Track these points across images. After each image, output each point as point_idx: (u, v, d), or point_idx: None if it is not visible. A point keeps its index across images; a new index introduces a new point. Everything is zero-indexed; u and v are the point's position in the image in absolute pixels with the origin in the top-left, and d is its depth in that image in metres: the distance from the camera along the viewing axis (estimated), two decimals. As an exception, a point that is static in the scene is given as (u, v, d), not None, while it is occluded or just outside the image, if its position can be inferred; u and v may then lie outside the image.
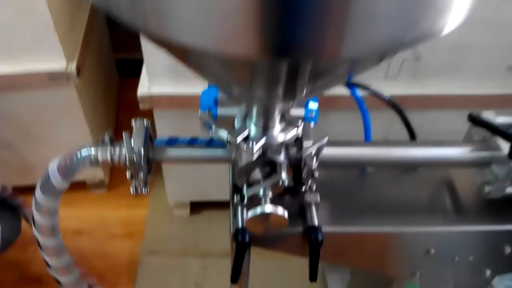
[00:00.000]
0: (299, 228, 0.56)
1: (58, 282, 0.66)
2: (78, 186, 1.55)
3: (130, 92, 1.29)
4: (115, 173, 1.66)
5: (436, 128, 1.24)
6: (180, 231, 1.52)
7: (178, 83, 1.12)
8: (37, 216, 0.57)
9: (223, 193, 1.51)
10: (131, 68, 1.52)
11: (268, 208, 0.50)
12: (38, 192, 0.55)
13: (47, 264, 0.64)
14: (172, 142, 0.60)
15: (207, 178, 1.45)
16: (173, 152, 0.57)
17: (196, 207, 1.56)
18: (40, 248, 0.60)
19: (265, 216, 0.50)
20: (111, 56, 1.85)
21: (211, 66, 0.35)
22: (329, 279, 1.28)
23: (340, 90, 1.17)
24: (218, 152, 0.57)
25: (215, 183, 1.47)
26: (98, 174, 1.56)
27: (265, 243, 0.58)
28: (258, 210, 0.50)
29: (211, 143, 0.59)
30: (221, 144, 0.58)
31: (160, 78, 1.12)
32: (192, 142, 0.60)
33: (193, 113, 1.07)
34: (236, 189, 0.58)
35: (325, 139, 0.53)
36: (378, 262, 0.65)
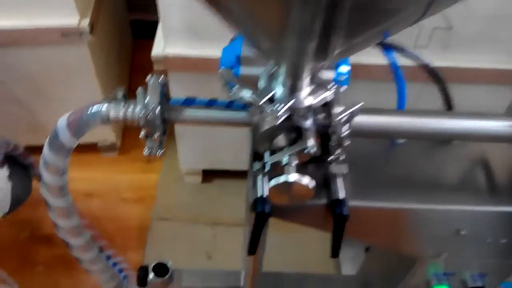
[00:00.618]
0: (323, 201, 0.52)
1: (67, 244, 0.64)
2: (90, 148, 1.52)
3: (144, 54, 1.24)
4: (126, 137, 1.64)
5: (466, 105, 1.18)
6: (191, 199, 1.50)
7: (195, 44, 1.07)
8: (45, 175, 0.53)
9: (236, 162, 1.48)
10: (145, 30, 1.46)
11: (294, 177, 0.45)
12: (46, 149, 0.52)
13: (56, 226, 0.61)
14: (189, 102, 0.55)
15: (220, 146, 1.42)
16: (190, 112, 0.53)
17: (208, 175, 1.53)
18: (49, 208, 0.58)
19: (288, 185, 0.46)
20: (125, 16, 1.79)
21: (241, 8, 0.30)
22: (342, 257, 1.26)
23: (366, 58, 1.11)
24: (238, 114, 0.53)
25: (228, 151, 1.43)
26: (109, 137, 1.53)
27: (285, 215, 0.55)
28: (283, 178, 0.46)
29: (230, 105, 0.55)
30: (241, 107, 0.54)
31: (176, 38, 1.07)
32: (210, 104, 0.56)
33: (209, 76, 1.02)
34: (256, 156, 0.54)
35: (359, 105, 0.48)
36: (404, 241, 0.62)
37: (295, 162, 0.47)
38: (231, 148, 1.42)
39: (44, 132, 1.42)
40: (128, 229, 1.42)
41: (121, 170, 1.57)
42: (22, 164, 1.11)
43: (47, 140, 0.52)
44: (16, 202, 1.04)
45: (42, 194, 0.57)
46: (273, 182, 0.46)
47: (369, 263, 0.89)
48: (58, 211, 0.57)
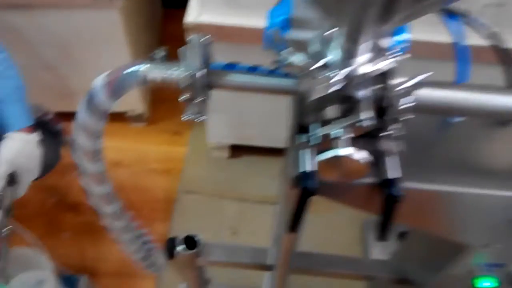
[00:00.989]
0: (373, 180, 0.48)
1: (98, 212, 0.62)
2: (118, 118, 1.52)
3: (174, 24, 1.21)
4: (155, 108, 1.62)
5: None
6: (218, 173, 1.48)
7: (231, 12, 1.02)
8: (79, 138, 0.51)
9: (264, 138, 1.45)
10: (175, -1, 1.42)
11: (348, 151, 0.41)
12: (81, 110, 0.49)
13: (87, 192, 0.59)
14: (231, 67, 0.52)
15: (249, 122, 1.38)
16: (232, 77, 0.49)
17: (236, 150, 1.51)
18: (81, 174, 0.55)
19: (341, 160, 0.43)
20: (155, -16, 1.75)
21: None
22: (371, 241, 1.23)
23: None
24: (284, 81, 0.49)
25: (257, 127, 1.40)
26: (138, 106, 1.52)
27: (330, 192, 0.51)
28: (335, 152, 0.42)
29: (272, 73, 0.51)
30: (284, 75, 0.50)
31: (211, 5, 1.02)
32: (252, 70, 0.52)
33: (244, 47, 0.98)
34: (301, 128, 0.50)
35: (421, 77, 0.44)
36: (455, 227, 0.57)
37: (348, 135, 0.43)
38: (260, 124, 1.38)
39: (72, 99, 1.42)
40: (154, 201, 1.42)
41: (148, 140, 1.56)
42: (52, 131, 1.10)
43: (83, 101, 0.49)
44: (46, 168, 1.04)
45: (75, 158, 0.55)
46: (324, 156, 0.43)
47: (406, 249, 0.85)
48: (91, 176, 0.55)
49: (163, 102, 1.60)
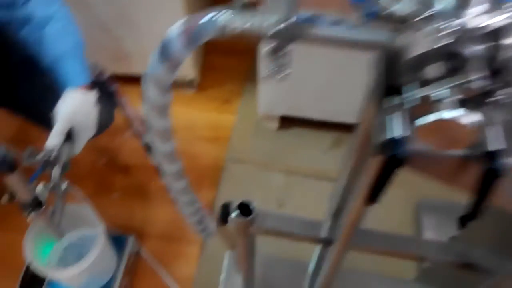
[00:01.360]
0: (473, 151, 0.43)
1: (159, 170, 0.60)
2: (168, 83, 1.50)
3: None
4: (205, 75, 1.59)
5: None
6: (266, 144, 1.45)
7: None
8: (149, 90, 0.48)
9: (317, 110, 1.40)
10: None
11: (455, 114, 0.37)
12: (153, 60, 0.46)
13: (150, 150, 0.57)
14: (315, 20, 0.47)
15: (303, 92, 1.33)
16: (321, 29, 0.44)
17: (286, 122, 1.47)
18: (149, 130, 0.53)
19: (444, 125, 0.38)
20: None
21: None
22: (426, 225, 1.17)
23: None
24: (379, 35, 0.44)
25: (311, 99, 1.35)
26: (189, 72, 1.50)
27: (418, 163, 0.46)
28: (441, 115, 0.37)
29: (359, 26, 0.46)
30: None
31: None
32: (338, 23, 0.47)
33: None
34: (389, 89, 0.45)
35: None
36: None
37: (455, 97, 0.38)
38: (314, 95, 1.33)
39: (126, 61, 1.42)
40: (202, 168, 1.41)
41: (198, 107, 1.54)
42: (107, 91, 1.10)
43: (155, 50, 0.46)
44: (101, 128, 1.04)
45: (142, 114, 0.53)
46: (426, 119, 0.38)
47: (474, 231, 0.79)
48: (157, 132, 0.53)
49: (213, 69, 1.57)
